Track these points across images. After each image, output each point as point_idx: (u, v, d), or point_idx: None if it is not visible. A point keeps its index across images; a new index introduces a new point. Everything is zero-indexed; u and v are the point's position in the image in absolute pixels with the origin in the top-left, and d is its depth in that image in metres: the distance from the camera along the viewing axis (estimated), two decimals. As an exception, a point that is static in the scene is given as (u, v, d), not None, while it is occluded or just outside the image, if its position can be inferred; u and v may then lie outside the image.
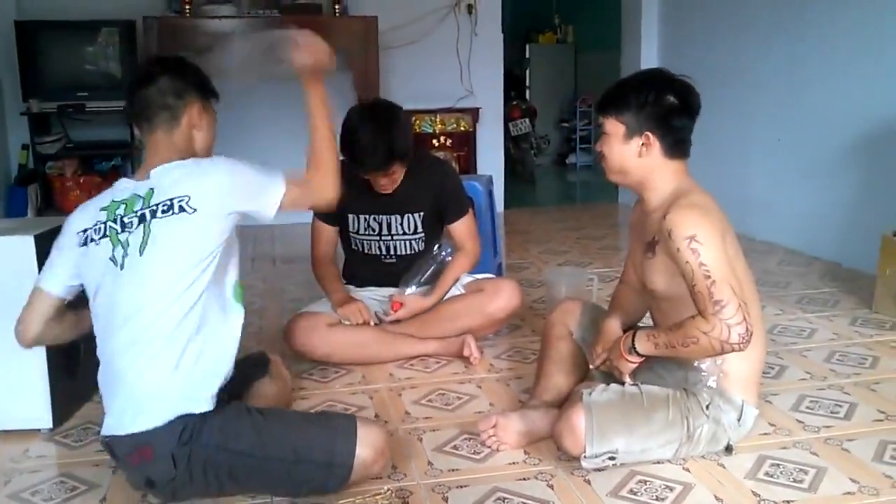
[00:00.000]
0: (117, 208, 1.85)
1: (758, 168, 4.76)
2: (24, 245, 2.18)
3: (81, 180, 4.99)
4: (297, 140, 2.27)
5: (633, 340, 1.99)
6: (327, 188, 1.99)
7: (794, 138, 4.43)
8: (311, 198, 2.02)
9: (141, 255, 1.79)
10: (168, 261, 1.80)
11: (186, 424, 1.76)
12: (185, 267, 1.79)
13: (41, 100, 4.83)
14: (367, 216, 2.85)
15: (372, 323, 2.78)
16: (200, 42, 4.81)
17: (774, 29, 4.53)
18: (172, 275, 1.79)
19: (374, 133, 2.60)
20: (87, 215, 1.88)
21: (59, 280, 1.91)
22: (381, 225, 2.85)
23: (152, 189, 1.83)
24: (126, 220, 1.82)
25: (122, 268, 1.81)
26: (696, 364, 1.99)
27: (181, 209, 1.79)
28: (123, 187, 1.89)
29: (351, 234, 2.89)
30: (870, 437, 2.17)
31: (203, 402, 1.79)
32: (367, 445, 1.85)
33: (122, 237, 1.81)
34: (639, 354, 1.99)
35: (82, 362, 2.45)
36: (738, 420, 2.02)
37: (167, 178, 1.83)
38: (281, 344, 2.79)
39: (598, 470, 1.97)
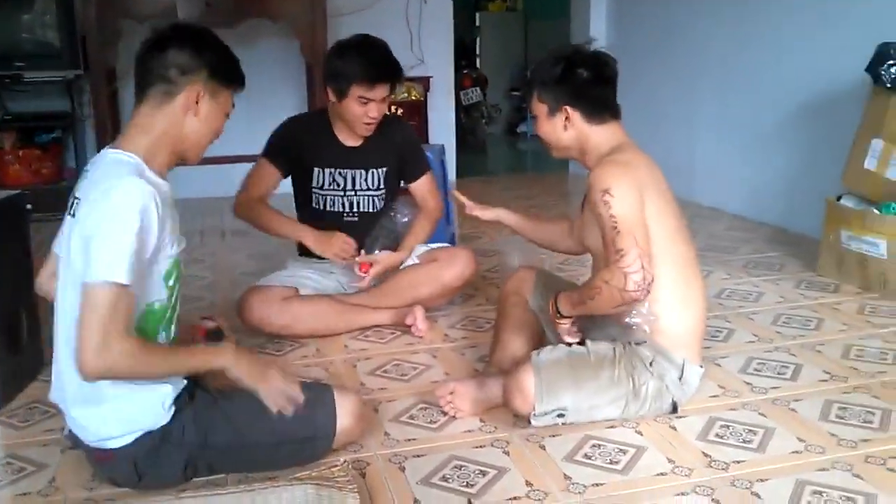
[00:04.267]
0: (78, 181, 1.75)
1: (704, 136, 4.82)
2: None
3: (21, 153, 4.84)
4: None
5: (556, 303, 2.08)
6: (111, 353, 1.53)
7: (739, 106, 4.49)
8: (103, 332, 1.53)
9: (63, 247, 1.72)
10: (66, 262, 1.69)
11: (153, 433, 1.70)
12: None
13: (-24, 70, 4.65)
14: (332, 170, 2.82)
15: (358, 251, 2.74)
16: (141, 10, 4.67)
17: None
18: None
19: (383, 45, 2.70)
20: None
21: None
22: (345, 179, 2.83)
23: (87, 171, 1.73)
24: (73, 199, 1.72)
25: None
26: (626, 320, 2.03)
27: (73, 212, 1.68)
28: (93, 160, 1.76)
29: (314, 190, 2.84)
30: (815, 397, 2.23)
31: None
32: (346, 413, 1.86)
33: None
34: (564, 316, 2.07)
35: (26, 339, 2.39)
36: (680, 378, 2.06)
37: (95, 167, 1.70)
38: (234, 318, 2.75)
39: (550, 430, 2.00)
